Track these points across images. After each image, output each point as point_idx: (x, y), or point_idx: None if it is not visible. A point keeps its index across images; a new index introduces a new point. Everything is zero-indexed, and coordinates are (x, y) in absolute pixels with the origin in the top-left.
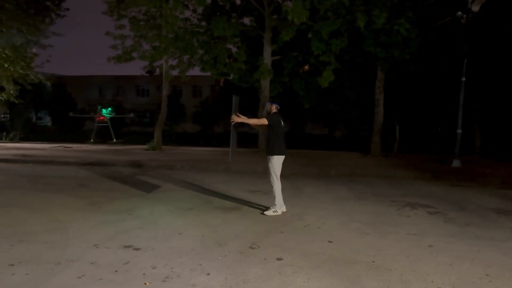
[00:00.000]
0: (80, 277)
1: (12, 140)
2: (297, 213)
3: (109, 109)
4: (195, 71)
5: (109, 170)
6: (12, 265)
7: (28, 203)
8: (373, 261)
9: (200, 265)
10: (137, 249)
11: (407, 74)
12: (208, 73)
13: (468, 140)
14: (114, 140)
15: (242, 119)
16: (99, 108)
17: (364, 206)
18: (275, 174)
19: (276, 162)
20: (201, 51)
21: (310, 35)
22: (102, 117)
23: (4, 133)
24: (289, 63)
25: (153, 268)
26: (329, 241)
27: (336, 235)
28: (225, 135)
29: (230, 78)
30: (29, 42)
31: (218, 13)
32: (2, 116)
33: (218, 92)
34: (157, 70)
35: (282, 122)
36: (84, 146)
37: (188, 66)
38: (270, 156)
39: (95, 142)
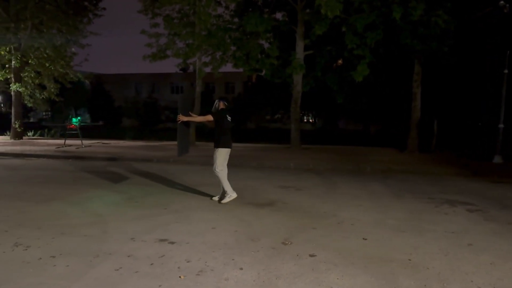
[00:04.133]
0: (117, 270)
1: (53, 136)
2: (331, 210)
3: (79, 118)
4: (228, 67)
5: (145, 166)
6: (54, 256)
7: (69, 197)
8: (410, 259)
9: (233, 259)
10: (172, 242)
11: (445, 67)
12: (241, 69)
13: (511, 136)
14: (83, 146)
15: (188, 117)
16: (70, 117)
17: (400, 203)
18: (219, 165)
19: (221, 154)
20: (233, 48)
21: (344, 29)
22: (72, 126)
23: (46, 130)
24: (322, 57)
25: (188, 261)
26: (363, 238)
27: (371, 232)
28: (257, 130)
29: (263, 74)
30: (69, 41)
31: (250, 9)
32: (43, 113)
33: (250, 88)
34: (191, 67)
35: (229, 118)
36: (121, 143)
37: (221, 62)
38: (216, 149)
39: (67, 146)
